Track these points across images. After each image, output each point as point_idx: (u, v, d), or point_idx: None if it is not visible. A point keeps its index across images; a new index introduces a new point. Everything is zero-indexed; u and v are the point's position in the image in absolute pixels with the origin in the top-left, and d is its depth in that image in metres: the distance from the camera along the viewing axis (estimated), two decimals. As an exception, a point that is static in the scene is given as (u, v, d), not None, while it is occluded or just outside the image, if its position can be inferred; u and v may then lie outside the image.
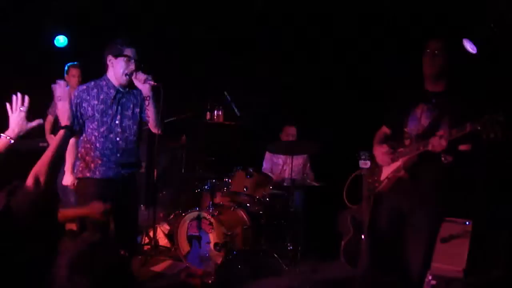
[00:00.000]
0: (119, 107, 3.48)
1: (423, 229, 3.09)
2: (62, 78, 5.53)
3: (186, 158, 5.93)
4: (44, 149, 5.60)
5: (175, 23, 6.48)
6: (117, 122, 3.45)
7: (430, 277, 4.14)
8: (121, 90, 3.49)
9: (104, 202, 3.18)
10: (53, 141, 2.37)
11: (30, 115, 5.85)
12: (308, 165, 5.97)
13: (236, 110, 5.85)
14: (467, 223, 4.60)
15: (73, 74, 5.51)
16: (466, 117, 2.78)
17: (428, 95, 3.19)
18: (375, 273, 3.33)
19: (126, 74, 3.42)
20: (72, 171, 3.60)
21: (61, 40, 6.40)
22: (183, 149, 5.96)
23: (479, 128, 2.64)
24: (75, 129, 3.36)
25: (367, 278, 3.35)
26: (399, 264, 3.35)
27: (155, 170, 5.64)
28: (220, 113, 6.16)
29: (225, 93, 5.85)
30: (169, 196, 6.36)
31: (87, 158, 3.43)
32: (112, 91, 3.46)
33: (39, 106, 5.66)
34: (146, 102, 3.49)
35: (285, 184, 5.70)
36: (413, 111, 3.20)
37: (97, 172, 3.43)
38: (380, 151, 3.33)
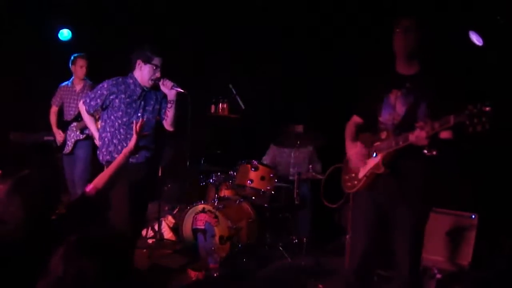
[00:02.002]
0: (143, 102, 3.87)
1: (408, 226, 2.86)
2: (66, 70, 5.53)
3: (191, 151, 5.92)
4: (49, 143, 5.62)
5: (178, 15, 6.45)
6: (139, 115, 3.81)
7: (435, 271, 4.14)
8: (145, 89, 3.89)
9: (133, 183, 3.65)
10: (117, 160, 2.82)
11: (35, 105, 5.88)
12: (315, 155, 5.93)
13: (241, 103, 5.83)
14: (473, 216, 4.60)
15: (81, 64, 5.46)
16: (445, 102, 2.58)
17: (400, 78, 2.91)
18: (360, 273, 3.05)
19: (151, 80, 3.83)
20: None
21: (65, 34, 6.38)
22: (188, 141, 5.95)
23: (464, 120, 2.36)
24: (89, 111, 3.92)
25: (352, 278, 3.08)
26: (386, 262, 3.21)
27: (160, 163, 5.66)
28: (225, 106, 6.14)
29: (230, 86, 5.83)
30: (174, 189, 6.36)
31: (114, 141, 3.81)
32: (139, 90, 3.85)
33: (43, 98, 5.66)
34: (169, 105, 3.90)
35: (290, 177, 5.69)
36: (386, 97, 2.93)
37: None
38: (354, 153, 3.06)
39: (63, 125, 5.47)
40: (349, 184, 3.12)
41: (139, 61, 3.82)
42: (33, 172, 2.16)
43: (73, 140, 5.39)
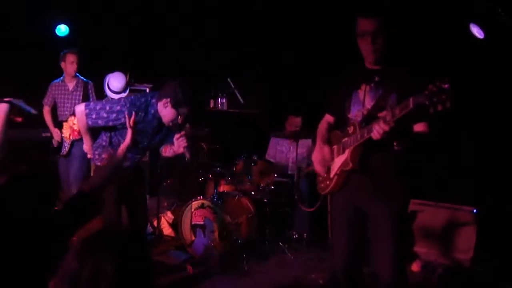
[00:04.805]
0: (153, 134, 3.69)
1: (385, 225, 2.71)
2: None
3: (190, 146, 5.88)
4: (47, 139, 5.58)
5: (176, 10, 6.42)
6: (145, 144, 3.69)
7: (437, 266, 4.12)
8: (161, 122, 3.63)
9: (124, 187, 3.57)
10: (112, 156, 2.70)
11: (33, 102, 5.84)
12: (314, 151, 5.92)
13: (239, 98, 5.80)
14: (475, 211, 4.57)
15: (71, 60, 5.24)
16: (416, 91, 2.36)
17: (369, 73, 2.79)
18: (348, 274, 2.92)
19: (171, 122, 3.60)
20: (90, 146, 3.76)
21: (62, 30, 6.33)
22: (188, 137, 5.92)
23: (424, 102, 2.20)
24: (92, 126, 3.53)
25: (341, 279, 2.94)
26: (368, 262, 3.09)
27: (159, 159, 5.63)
28: (224, 101, 6.11)
29: (229, 80, 5.80)
30: (173, 185, 6.33)
31: (109, 149, 3.59)
32: (155, 122, 3.61)
33: (41, 94, 5.61)
34: (171, 150, 3.71)
35: (289, 171, 5.67)
36: (355, 93, 2.81)
37: None
38: (316, 158, 2.95)
39: (58, 126, 5.36)
40: (322, 185, 3.00)
41: (167, 100, 3.50)
42: (30, 169, 2.14)
43: (69, 141, 5.31)
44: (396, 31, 2.76)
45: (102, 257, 1.41)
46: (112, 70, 5.45)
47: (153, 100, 3.57)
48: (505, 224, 4.62)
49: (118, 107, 3.45)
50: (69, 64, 5.28)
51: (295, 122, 5.72)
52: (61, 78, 5.41)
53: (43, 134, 5.57)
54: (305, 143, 5.80)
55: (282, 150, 5.87)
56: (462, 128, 5.02)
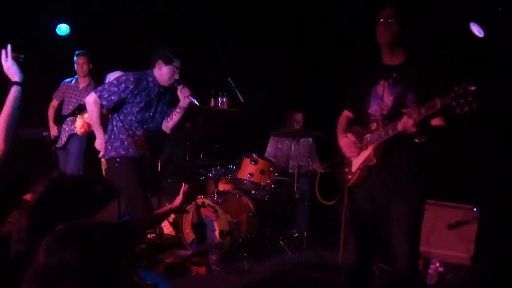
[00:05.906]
0: (156, 102, 3.92)
1: (404, 220, 2.79)
2: (64, 65, 5.48)
3: (191, 145, 5.89)
4: (47, 138, 5.52)
5: (176, 8, 6.42)
6: (151, 114, 3.88)
7: (437, 264, 4.12)
8: (161, 90, 3.93)
9: (137, 178, 3.79)
10: (8, 99, 2.39)
11: (33, 101, 5.81)
12: (314, 149, 5.92)
13: (240, 97, 5.80)
14: (475, 209, 4.58)
15: (79, 62, 5.39)
16: (433, 88, 2.48)
17: (387, 69, 2.87)
18: (360, 267, 3.01)
19: (170, 80, 3.87)
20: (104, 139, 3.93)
21: (63, 29, 6.33)
22: (187, 135, 5.93)
23: (450, 103, 2.30)
24: (108, 107, 3.75)
25: (353, 272, 3.05)
26: (388, 256, 3.14)
27: (160, 158, 5.64)
28: (224, 100, 6.10)
29: (229, 79, 5.79)
30: (173, 184, 6.33)
31: (121, 136, 3.80)
32: (156, 88, 3.88)
33: (41, 94, 5.60)
34: (178, 110, 3.99)
35: (290, 170, 5.66)
36: (374, 89, 2.89)
37: (130, 150, 3.82)
38: (345, 142, 3.02)
39: (60, 120, 5.39)
40: (344, 179, 3.07)
41: (159, 61, 3.83)
42: (63, 174, 2.15)
43: (67, 134, 5.30)
44: (411, 23, 2.82)
45: (68, 251, 1.39)
46: (112, 70, 5.46)
47: (148, 72, 3.87)
48: (505, 222, 4.62)
49: (124, 77, 3.75)
50: (79, 66, 5.43)
51: (296, 118, 5.71)
52: (75, 77, 5.53)
53: (44, 133, 5.58)
54: (305, 141, 5.81)
55: (283, 149, 5.86)
56: (462, 127, 5.02)
